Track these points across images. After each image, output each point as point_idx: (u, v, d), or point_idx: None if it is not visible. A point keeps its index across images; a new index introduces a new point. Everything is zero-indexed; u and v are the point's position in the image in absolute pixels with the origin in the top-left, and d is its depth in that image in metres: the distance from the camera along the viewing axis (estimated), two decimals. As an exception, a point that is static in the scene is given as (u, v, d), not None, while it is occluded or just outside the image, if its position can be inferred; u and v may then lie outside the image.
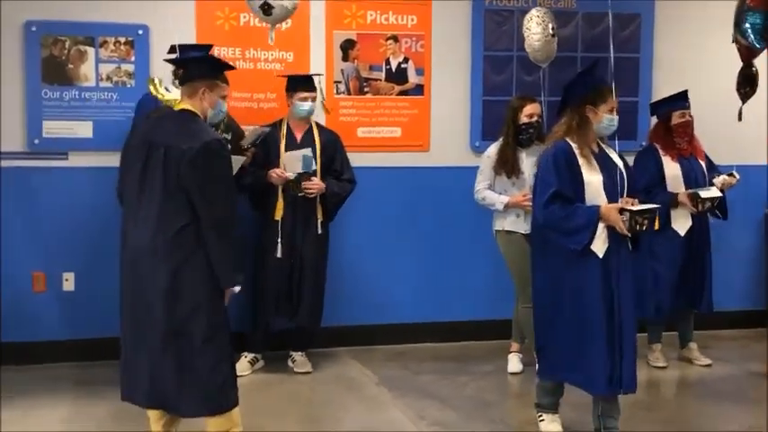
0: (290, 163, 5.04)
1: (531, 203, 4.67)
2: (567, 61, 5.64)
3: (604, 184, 3.92)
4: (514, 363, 5.26)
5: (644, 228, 3.83)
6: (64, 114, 5.19)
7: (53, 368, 5.12)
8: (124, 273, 3.58)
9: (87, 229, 5.17)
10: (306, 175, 5.00)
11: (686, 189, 5.17)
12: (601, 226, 3.86)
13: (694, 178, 5.23)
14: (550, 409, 4.24)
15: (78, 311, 5.24)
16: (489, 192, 5.08)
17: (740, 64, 5.02)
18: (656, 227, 3.91)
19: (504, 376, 5.20)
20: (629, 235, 3.87)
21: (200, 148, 3.43)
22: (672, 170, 5.21)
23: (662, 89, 5.68)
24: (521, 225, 5.00)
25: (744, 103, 4.87)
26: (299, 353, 5.29)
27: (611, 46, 4.30)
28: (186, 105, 3.61)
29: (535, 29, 5.01)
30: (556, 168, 3.88)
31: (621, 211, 3.83)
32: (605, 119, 3.93)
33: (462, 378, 5.14)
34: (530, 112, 5.00)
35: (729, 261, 6.15)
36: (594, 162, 3.93)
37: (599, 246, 3.88)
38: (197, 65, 3.70)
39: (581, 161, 3.90)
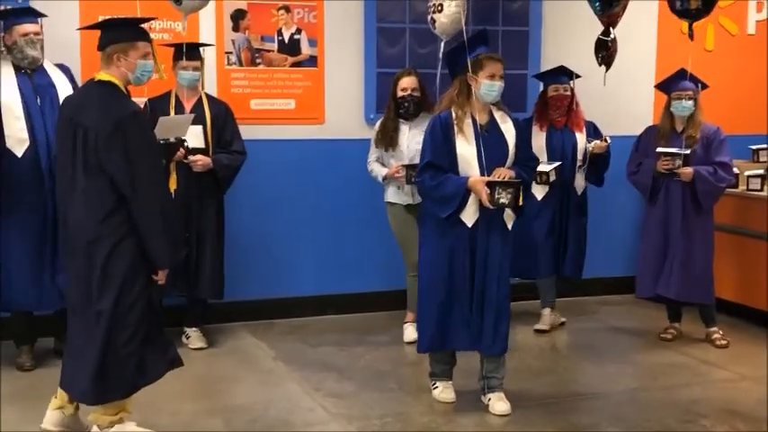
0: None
1: (403, 176, 4.90)
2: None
3: (478, 155, 4.00)
4: (410, 332, 5.30)
5: (506, 202, 3.92)
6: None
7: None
8: (65, 255, 3.55)
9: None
10: (196, 150, 4.90)
11: (548, 159, 5.34)
12: (472, 197, 3.98)
13: (560, 149, 5.39)
14: (443, 376, 4.32)
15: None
16: (377, 164, 5.23)
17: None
18: (520, 202, 3.98)
19: (401, 346, 5.25)
20: (491, 207, 3.96)
21: (113, 127, 3.30)
22: (537, 141, 5.31)
23: (551, 62, 5.78)
24: (401, 197, 5.16)
25: (607, 69, 5.10)
26: (194, 329, 5.22)
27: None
28: (104, 76, 3.45)
29: None
30: (431, 139, 4.04)
31: (489, 183, 3.94)
32: (483, 85, 4.01)
33: (359, 349, 5.17)
34: (404, 85, 5.08)
35: (618, 229, 6.37)
36: (472, 133, 4.02)
37: (468, 215, 4.02)
38: (103, 33, 3.48)
39: (456, 132, 4.00)
